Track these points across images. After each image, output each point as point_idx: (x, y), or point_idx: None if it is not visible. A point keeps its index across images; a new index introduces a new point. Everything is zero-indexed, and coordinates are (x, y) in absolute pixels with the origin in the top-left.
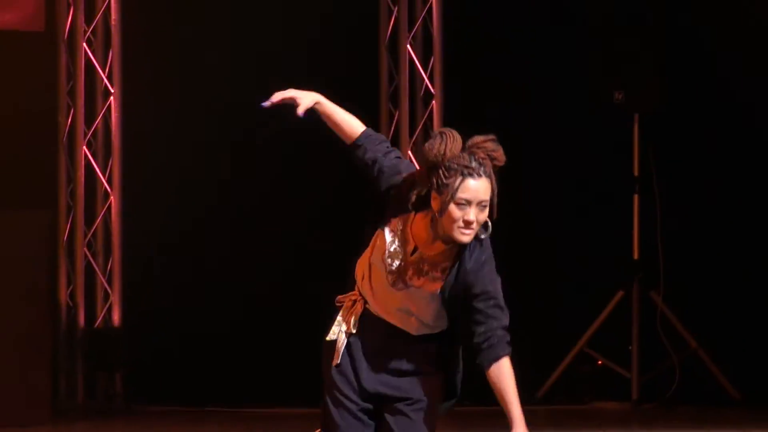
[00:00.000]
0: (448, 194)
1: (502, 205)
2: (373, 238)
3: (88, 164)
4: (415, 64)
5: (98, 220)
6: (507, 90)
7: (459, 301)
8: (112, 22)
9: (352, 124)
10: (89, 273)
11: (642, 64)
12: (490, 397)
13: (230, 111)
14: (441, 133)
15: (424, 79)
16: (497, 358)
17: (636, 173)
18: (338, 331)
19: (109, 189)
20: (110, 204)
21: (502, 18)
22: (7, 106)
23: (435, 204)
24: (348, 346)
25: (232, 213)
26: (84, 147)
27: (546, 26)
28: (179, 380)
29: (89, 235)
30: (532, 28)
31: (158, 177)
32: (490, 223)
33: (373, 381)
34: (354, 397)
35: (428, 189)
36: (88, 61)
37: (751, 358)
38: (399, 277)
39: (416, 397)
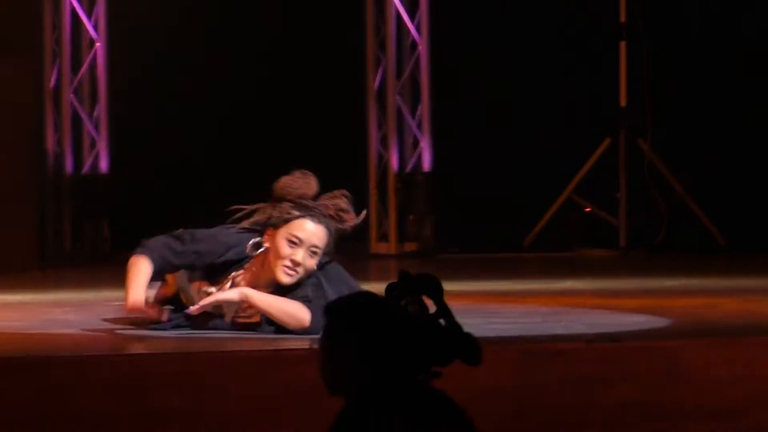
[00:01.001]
0: (284, 229)
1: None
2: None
3: (73, 9)
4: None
5: (84, 65)
6: None
7: None
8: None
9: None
10: (76, 120)
11: None
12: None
13: None
14: (301, 173)
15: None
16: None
17: (622, 20)
18: None
19: (95, 35)
20: (95, 52)
21: None
22: None
23: (268, 239)
24: None
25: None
26: None
27: None
28: (163, 225)
29: (75, 82)
30: None
31: (143, 23)
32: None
33: None
34: None
35: (265, 223)
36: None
37: (737, 205)
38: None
39: None
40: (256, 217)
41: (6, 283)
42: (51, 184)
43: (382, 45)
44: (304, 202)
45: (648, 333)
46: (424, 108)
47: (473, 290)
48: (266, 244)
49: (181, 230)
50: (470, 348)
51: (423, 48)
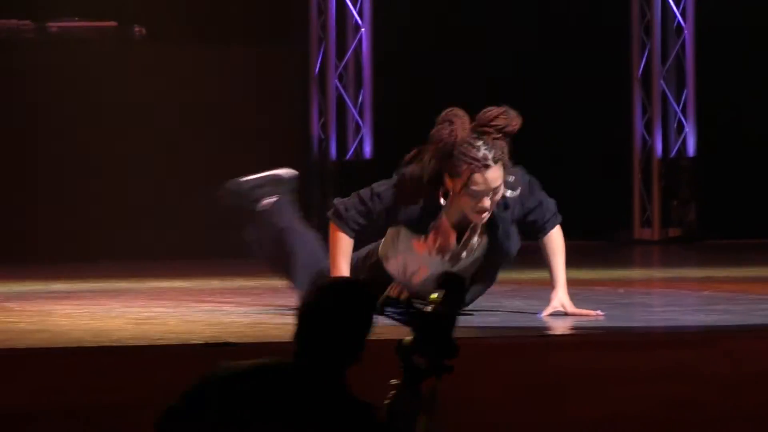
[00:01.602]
0: (459, 184)
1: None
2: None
3: None
4: None
5: (349, 51)
6: None
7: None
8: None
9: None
10: (340, 105)
11: None
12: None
13: None
14: (448, 120)
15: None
16: (547, 231)
17: None
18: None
19: (359, 21)
20: (361, 36)
21: None
22: None
23: (450, 183)
24: None
25: None
26: None
27: None
28: None
29: (340, 68)
30: None
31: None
32: (515, 188)
33: None
34: None
35: (441, 171)
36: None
37: None
38: (453, 259)
39: None
40: (429, 165)
41: None
42: (315, 167)
43: (647, 29)
44: (467, 151)
45: None
46: (690, 92)
47: (738, 276)
48: (450, 189)
49: (365, 190)
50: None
51: (688, 32)
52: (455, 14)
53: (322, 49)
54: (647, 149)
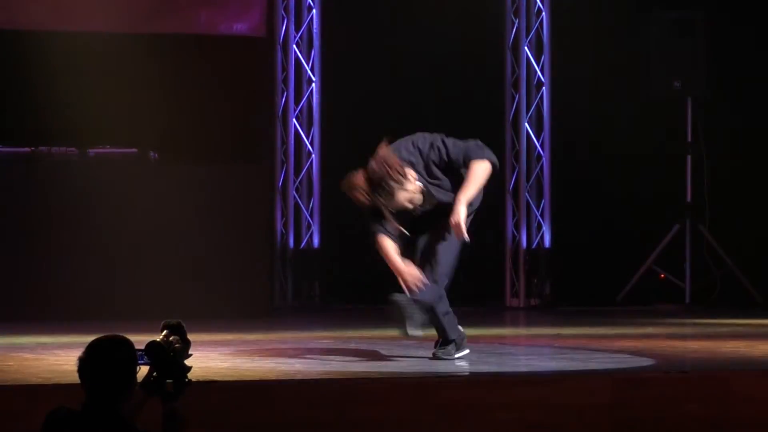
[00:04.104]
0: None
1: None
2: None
3: (296, 132)
4: None
5: (303, 172)
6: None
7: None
8: (314, 30)
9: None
10: (297, 209)
11: (694, 61)
12: None
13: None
14: (348, 189)
15: None
16: (466, 165)
17: (689, 139)
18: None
19: (311, 149)
20: (311, 161)
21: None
22: (239, 90)
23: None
24: None
25: None
26: (293, 119)
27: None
28: (364, 284)
29: (297, 182)
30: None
31: (347, 142)
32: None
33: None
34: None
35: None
36: (296, 58)
37: None
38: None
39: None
40: (365, 202)
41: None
42: (278, 255)
43: (515, 156)
44: (369, 193)
45: (707, 365)
46: (546, 203)
47: (580, 333)
48: None
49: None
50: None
51: (546, 158)
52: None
53: (284, 169)
54: (516, 242)
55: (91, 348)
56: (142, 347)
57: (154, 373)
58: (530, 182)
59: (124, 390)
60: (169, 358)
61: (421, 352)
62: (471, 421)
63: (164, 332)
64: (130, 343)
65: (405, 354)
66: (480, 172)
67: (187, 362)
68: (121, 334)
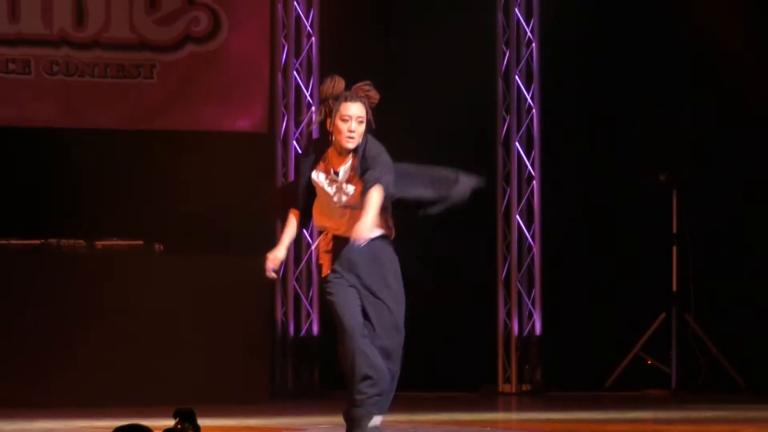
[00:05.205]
0: (335, 114)
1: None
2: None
3: None
4: None
5: (302, 262)
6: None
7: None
8: (313, 126)
9: (292, 226)
10: (296, 299)
11: (679, 155)
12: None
13: None
14: (330, 77)
15: None
16: (367, 188)
17: (674, 231)
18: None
19: (310, 241)
20: (310, 252)
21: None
22: (239, 182)
23: (329, 126)
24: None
25: None
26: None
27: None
28: None
29: (297, 272)
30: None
31: None
32: (369, 135)
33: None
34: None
35: (324, 119)
36: (296, 154)
37: (753, 359)
38: (339, 192)
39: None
40: (317, 118)
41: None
42: (279, 342)
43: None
44: (341, 93)
45: None
46: (537, 291)
47: (570, 418)
48: (328, 129)
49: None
50: None
51: (536, 232)
52: None
53: (284, 263)
54: (507, 330)
55: None
56: None
57: None
58: (521, 272)
59: None
60: None
61: None
62: None
63: (177, 419)
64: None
65: None
66: (375, 199)
67: None
68: (142, 424)
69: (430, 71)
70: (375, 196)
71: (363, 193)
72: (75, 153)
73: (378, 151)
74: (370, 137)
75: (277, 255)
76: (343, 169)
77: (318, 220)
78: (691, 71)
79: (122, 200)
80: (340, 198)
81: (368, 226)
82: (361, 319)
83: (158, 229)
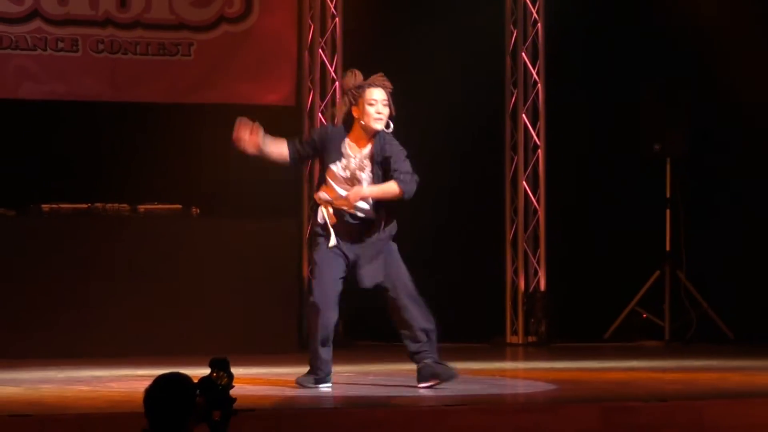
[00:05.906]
0: (360, 101)
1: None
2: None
3: None
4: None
5: None
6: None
7: (382, 166)
8: (337, 99)
9: (282, 146)
10: None
11: (674, 124)
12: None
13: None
14: (350, 71)
15: None
16: (396, 180)
17: (668, 195)
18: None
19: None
20: None
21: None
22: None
23: (356, 113)
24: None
25: None
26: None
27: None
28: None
29: None
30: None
31: None
32: (391, 122)
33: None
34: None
35: (348, 108)
36: (321, 124)
37: (741, 311)
38: (352, 179)
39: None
40: (343, 108)
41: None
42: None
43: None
44: (363, 83)
45: (683, 395)
46: (541, 250)
47: (572, 367)
48: (356, 116)
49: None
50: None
51: (541, 213)
52: None
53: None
54: (514, 286)
55: (157, 382)
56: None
57: (205, 405)
58: (527, 233)
59: (185, 420)
60: (218, 392)
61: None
62: None
63: (212, 367)
64: (190, 380)
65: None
66: (391, 189)
67: (232, 393)
68: (181, 372)
69: (446, 50)
70: (392, 189)
71: (385, 180)
72: (119, 124)
73: (401, 148)
74: (388, 134)
75: (258, 137)
76: (360, 156)
77: (328, 193)
78: (692, 50)
79: (162, 168)
80: (352, 183)
81: (365, 194)
82: (333, 294)
83: (195, 194)
